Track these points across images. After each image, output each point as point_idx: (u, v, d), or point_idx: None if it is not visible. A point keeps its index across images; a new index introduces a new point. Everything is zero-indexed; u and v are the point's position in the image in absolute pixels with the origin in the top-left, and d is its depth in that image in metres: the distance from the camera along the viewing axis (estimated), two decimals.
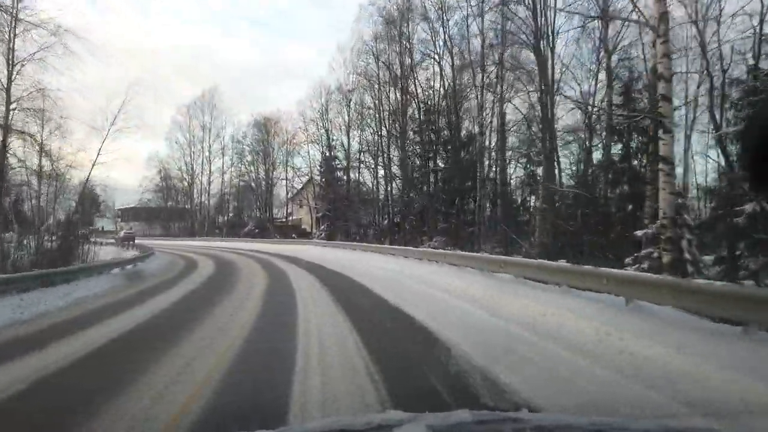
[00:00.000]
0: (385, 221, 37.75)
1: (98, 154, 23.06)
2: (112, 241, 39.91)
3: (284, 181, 52.72)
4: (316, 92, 42.87)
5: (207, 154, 59.43)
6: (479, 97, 27.99)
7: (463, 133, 31.22)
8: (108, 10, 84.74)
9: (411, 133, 33.93)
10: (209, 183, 60.40)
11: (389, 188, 36.10)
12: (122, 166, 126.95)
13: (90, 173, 23.56)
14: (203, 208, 61.78)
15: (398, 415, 1.74)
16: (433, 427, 1.56)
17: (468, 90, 30.24)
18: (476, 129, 28.96)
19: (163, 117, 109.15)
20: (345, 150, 41.97)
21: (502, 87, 26.38)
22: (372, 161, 38.70)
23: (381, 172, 37.41)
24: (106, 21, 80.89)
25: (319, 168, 44.80)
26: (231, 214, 59.43)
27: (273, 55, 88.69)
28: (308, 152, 46.90)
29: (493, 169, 29.57)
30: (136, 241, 41.60)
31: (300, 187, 51.11)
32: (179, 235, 57.77)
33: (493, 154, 28.90)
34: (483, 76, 27.35)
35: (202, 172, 60.28)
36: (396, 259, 21.34)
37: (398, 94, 34.35)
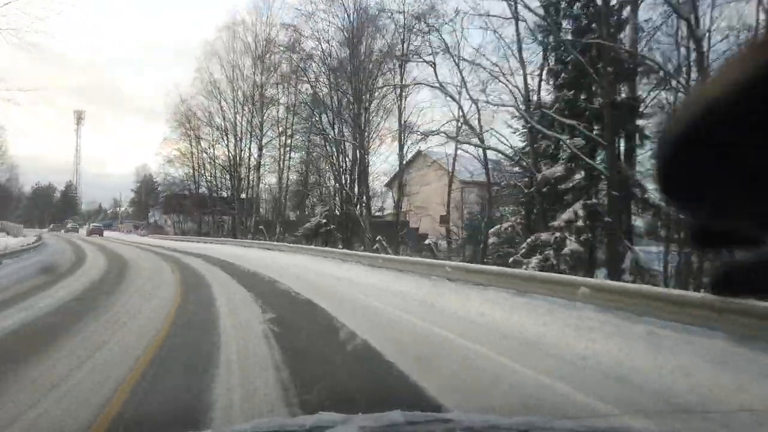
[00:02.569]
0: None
1: None
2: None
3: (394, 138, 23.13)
4: None
5: (258, 103, 31.82)
6: None
7: None
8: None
9: None
10: (260, 149, 32.87)
11: None
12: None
13: None
14: (251, 189, 34.62)
15: (330, 417, 1.68)
16: (365, 428, 1.51)
17: None
18: None
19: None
20: None
21: None
22: None
23: None
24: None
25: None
26: (296, 212, 31.74)
27: None
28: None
29: None
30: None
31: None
32: (226, 236, 34.97)
33: None
34: None
35: (251, 135, 33.25)
36: None
37: None
